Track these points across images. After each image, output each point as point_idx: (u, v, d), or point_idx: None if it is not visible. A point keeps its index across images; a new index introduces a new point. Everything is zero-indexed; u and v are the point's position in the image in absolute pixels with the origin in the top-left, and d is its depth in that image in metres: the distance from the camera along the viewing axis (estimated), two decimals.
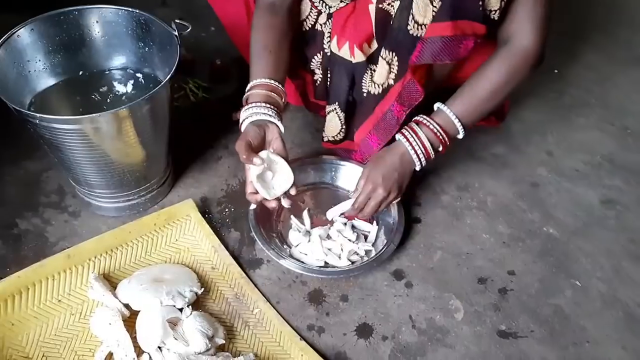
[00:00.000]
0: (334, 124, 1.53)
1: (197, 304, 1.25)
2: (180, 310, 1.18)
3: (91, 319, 1.18)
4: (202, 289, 1.26)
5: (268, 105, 1.26)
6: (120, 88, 1.45)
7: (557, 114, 1.86)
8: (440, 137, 1.28)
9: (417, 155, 1.28)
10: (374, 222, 1.47)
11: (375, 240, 1.44)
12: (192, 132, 1.69)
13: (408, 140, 1.28)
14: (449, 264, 1.41)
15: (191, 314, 1.17)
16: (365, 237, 1.45)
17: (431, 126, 1.28)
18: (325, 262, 1.38)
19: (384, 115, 1.38)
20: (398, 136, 1.30)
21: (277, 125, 1.26)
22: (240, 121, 1.28)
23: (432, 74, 1.33)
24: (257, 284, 1.33)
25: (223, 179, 1.58)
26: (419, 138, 1.28)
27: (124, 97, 1.43)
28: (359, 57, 1.35)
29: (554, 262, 1.43)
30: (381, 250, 1.37)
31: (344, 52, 1.37)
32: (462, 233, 1.48)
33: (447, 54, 1.18)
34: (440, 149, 1.31)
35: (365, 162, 1.47)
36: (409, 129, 1.30)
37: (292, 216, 1.47)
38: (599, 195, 1.61)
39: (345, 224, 1.45)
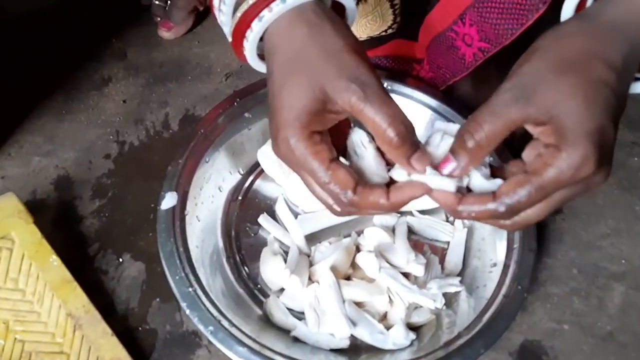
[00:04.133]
0: (377, 14, 0.65)
1: None
2: None
3: None
4: None
5: None
6: None
7: None
8: None
9: None
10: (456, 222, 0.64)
11: (464, 266, 0.61)
12: (42, 26, 0.81)
13: None
14: None
15: None
16: (442, 261, 0.62)
17: None
18: (354, 338, 0.56)
19: None
20: None
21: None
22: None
23: None
24: None
25: (110, 129, 0.72)
26: None
27: None
28: None
29: None
30: (495, 300, 0.55)
31: None
32: None
33: None
34: None
35: (444, 83, 0.63)
36: None
37: (263, 215, 0.63)
38: None
39: (394, 228, 0.61)
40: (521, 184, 0.37)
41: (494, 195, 0.38)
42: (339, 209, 0.42)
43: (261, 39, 0.43)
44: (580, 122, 0.35)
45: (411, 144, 0.39)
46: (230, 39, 0.45)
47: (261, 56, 0.45)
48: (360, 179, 0.41)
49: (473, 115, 0.38)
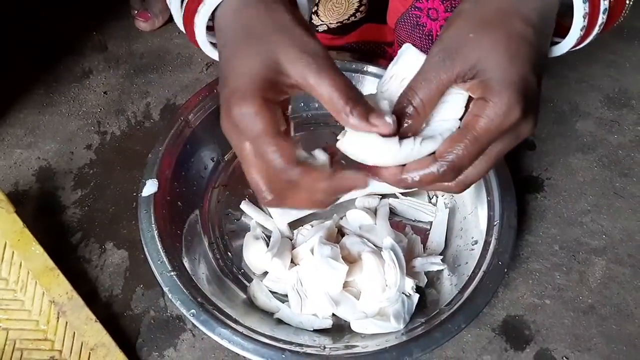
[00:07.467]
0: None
1: None
2: None
3: None
4: None
5: None
6: None
7: None
8: None
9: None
10: (438, 199, 0.64)
11: (446, 245, 0.62)
12: (22, 19, 0.81)
13: None
14: (625, 295, 0.59)
15: None
16: (425, 241, 0.62)
17: None
18: (335, 317, 0.56)
19: None
20: None
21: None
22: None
23: None
24: None
25: (91, 120, 0.72)
26: None
27: None
28: None
29: None
30: (476, 276, 0.55)
31: None
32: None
33: None
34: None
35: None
36: None
37: (245, 200, 0.63)
38: None
39: (376, 210, 0.61)
40: (456, 140, 0.38)
41: (434, 157, 0.39)
42: (270, 197, 0.39)
43: (211, 28, 0.43)
44: (503, 73, 0.37)
45: (364, 105, 0.38)
46: (180, 19, 0.45)
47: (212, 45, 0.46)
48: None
49: (409, 83, 0.40)
